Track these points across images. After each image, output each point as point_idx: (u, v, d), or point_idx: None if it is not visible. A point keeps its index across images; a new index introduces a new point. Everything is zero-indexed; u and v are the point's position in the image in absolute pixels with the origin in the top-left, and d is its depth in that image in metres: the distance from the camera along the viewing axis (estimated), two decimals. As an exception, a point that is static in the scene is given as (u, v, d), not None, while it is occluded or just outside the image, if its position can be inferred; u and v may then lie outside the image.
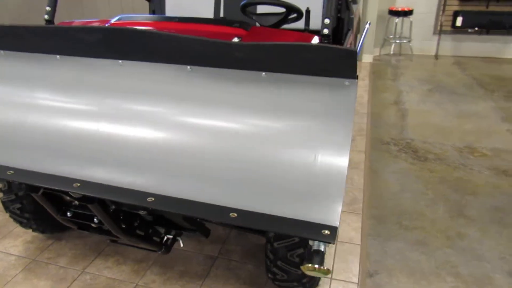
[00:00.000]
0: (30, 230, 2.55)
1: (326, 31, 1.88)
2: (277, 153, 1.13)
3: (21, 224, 2.35)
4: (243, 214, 1.06)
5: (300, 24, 2.91)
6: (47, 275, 2.21)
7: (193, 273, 2.25)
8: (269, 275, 1.93)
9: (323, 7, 1.93)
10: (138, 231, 1.77)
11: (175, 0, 3.21)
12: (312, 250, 1.10)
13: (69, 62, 1.36)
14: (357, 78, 1.18)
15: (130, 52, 1.27)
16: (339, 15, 3.00)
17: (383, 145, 3.77)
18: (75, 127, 1.31)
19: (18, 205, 2.17)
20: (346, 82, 1.15)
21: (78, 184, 1.20)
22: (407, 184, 3.13)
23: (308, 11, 2.26)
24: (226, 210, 1.07)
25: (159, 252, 1.99)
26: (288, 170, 1.12)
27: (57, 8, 3.67)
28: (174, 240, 2.06)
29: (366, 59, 6.68)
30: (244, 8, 2.41)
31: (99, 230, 1.76)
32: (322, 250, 1.10)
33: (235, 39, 1.95)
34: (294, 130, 1.16)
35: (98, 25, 2.18)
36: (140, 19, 2.18)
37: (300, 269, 1.85)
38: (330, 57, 1.07)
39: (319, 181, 1.10)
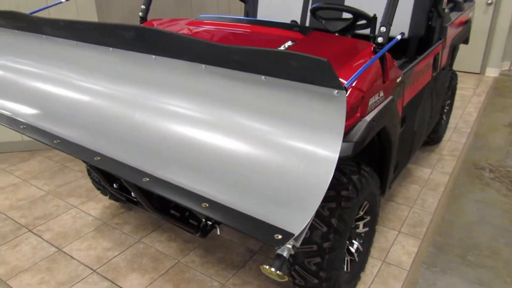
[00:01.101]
0: (107, 197, 2.95)
1: (380, 39, 1.81)
2: (262, 155, 1.16)
3: (100, 191, 2.74)
4: (215, 205, 1.12)
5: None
6: (111, 238, 2.55)
7: (230, 262, 2.36)
8: (290, 278, 1.94)
9: (384, 14, 1.85)
10: (173, 211, 1.94)
11: (267, 2, 3.33)
12: (276, 253, 1.12)
13: (116, 53, 1.58)
14: (346, 90, 1.13)
15: (159, 49, 1.43)
16: (430, 23, 2.79)
17: (476, 170, 3.37)
18: (112, 110, 1.53)
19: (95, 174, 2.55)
20: (335, 92, 1.12)
21: (99, 158, 1.40)
22: (489, 216, 2.77)
23: (375, 18, 2.17)
24: (201, 199, 1.15)
25: (196, 235, 2.14)
26: (270, 173, 1.14)
27: (167, 5, 4.10)
28: (213, 226, 2.20)
29: (490, 73, 5.96)
30: (313, 12, 2.42)
31: (141, 205, 1.98)
32: (284, 255, 1.11)
33: (289, 43, 1.99)
34: (282, 135, 1.17)
35: (180, 24, 2.42)
36: (213, 19, 2.35)
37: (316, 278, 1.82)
38: (308, 66, 1.06)
39: (295, 189, 1.10)
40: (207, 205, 1.14)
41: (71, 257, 2.39)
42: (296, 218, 1.06)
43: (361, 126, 1.73)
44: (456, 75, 3.62)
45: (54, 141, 1.53)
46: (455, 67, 5.98)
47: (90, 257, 2.39)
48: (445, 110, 3.75)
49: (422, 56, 2.42)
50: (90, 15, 3.36)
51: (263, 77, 1.24)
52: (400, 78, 2.07)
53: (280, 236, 1.02)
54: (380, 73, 1.86)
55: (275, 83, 1.22)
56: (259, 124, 1.21)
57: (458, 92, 5.23)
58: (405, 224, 2.69)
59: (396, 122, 2.11)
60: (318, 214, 1.79)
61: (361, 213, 2.09)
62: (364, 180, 1.91)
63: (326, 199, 1.81)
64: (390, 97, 1.97)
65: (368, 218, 2.16)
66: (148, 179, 1.28)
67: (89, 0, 3.30)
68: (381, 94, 1.89)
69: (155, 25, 2.50)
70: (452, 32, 3.01)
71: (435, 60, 2.71)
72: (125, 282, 2.22)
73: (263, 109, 1.23)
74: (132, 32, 1.40)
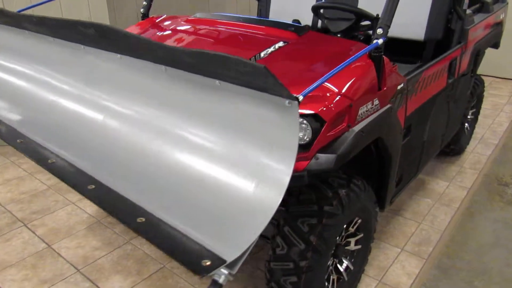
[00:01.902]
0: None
1: (380, 41, 1.65)
2: (205, 169, 1.06)
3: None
4: (150, 221, 1.03)
5: (397, 33, 2.59)
6: (101, 237, 2.52)
7: (216, 271, 2.26)
8: None
9: (383, 14, 1.69)
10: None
11: (280, 1, 3.21)
12: (212, 279, 1.01)
13: (87, 51, 1.51)
14: (298, 100, 1.00)
15: (122, 48, 1.35)
16: (449, 25, 2.57)
17: (498, 186, 3.10)
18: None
19: None
20: (286, 102, 0.99)
21: (53, 161, 1.35)
22: (506, 239, 2.52)
23: (377, 18, 2.00)
24: (137, 212, 1.05)
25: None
26: (212, 191, 1.03)
27: (183, 2, 4.04)
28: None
29: (528, 79, 5.54)
30: (315, 11, 2.27)
31: None
32: (220, 282, 1.00)
33: (280, 43, 1.87)
34: (230, 149, 1.06)
35: (176, 21, 2.34)
36: (209, 17, 2.26)
37: None
38: (251, 72, 0.94)
39: (237, 211, 0.99)
40: (143, 220, 1.04)
41: (59, 254, 2.38)
42: (232, 244, 0.95)
43: (346, 137, 1.58)
44: (482, 81, 3.34)
45: (17, 141, 1.48)
46: (488, 72, 5.60)
47: (77, 256, 2.36)
48: (469, 119, 3.48)
49: (432, 62, 2.22)
50: (102, 15, 3.35)
51: (217, 81, 1.13)
52: (401, 85, 1.90)
53: (208, 262, 0.91)
54: (374, 79, 1.70)
55: (230, 89, 1.11)
56: (208, 134, 1.10)
57: (489, 99, 4.88)
58: (409, 242, 2.50)
59: (396, 133, 1.94)
60: (296, 230, 1.66)
61: (352, 229, 1.94)
62: (353, 195, 1.75)
63: (306, 214, 1.67)
64: (388, 106, 1.81)
65: (361, 235, 2.00)
66: (94, 186, 1.20)
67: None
68: (376, 102, 1.72)
69: (155, 21, 2.44)
70: (475, 35, 2.76)
71: (452, 66, 2.49)
72: (106, 284, 2.17)
73: (215, 116, 1.12)
74: (92, 30, 1.32)
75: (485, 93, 3.72)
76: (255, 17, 2.12)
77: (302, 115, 1.53)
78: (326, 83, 1.60)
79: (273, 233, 1.74)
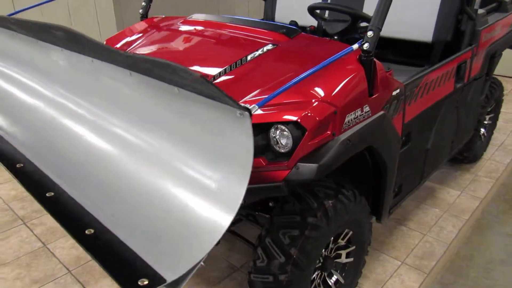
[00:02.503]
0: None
1: (366, 45, 1.56)
2: (156, 182, 1.00)
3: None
4: (99, 233, 0.98)
5: (411, 35, 2.47)
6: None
7: (207, 277, 2.22)
8: None
9: (374, 16, 1.59)
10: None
11: (285, 2, 3.12)
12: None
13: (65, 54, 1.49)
14: (249, 112, 0.92)
15: (93, 52, 1.31)
16: (459, 26, 2.43)
17: (514, 197, 2.92)
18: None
19: None
20: (238, 113, 0.92)
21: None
22: (518, 255, 2.36)
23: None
24: (90, 223, 1.01)
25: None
26: (162, 205, 0.98)
27: (192, 2, 4.01)
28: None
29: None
30: (311, 11, 2.18)
31: None
32: (163, 302, 0.94)
33: (268, 46, 1.80)
34: (183, 161, 1.00)
35: (173, 22, 2.31)
36: (205, 18, 2.21)
37: None
38: (193, 80, 0.88)
39: (183, 229, 0.93)
40: (92, 231, 1.00)
41: (53, 254, 2.39)
42: (176, 263, 0.89)
43: (330, 146, 1.50)
44: (500, 85, 3.15)
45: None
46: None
47: (70, 257, 2.37)
48: (486, 124, 3.29)
49: (435, 66, 2.09)
50: (109, 14, 3.36)
51: (176, 88, 1.08)
52: (398, 91, 1.79)
53: (146, 282, 0.86)
54: (364, 84, 1.61)
55: (188, 96, 1.05)
56: (163, 144, 1.04)
57: (514, 103, 4.63)
58: (411, 255, 2.38)
59: (391, 141, 1.83)
60: (277, 241, 1.59)
61: (342, 241, 1.85)
62: (340, 206, 1.66)
63: (288, 225, 1.60)
64: (381, 113, 1.71)
65: (353, 247, 1.91)
66: (52, 194, 1.17)
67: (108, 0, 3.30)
68: (366, 109, 1.63)
69: (153, 22, 2.41)
70: (489, 36, 2.60)
71: (461, 69, 2.35)
72: (94, 287, 2.16)
73: (173, 125, 1.07)
74: (61, 32, 1.29)
75: (507, 97, 3.52)
76: (248, 18, 2.05)
77: (283, 123, 1.46)
78: (311, 89, 1.52)
79: (256, 243, 1.68)
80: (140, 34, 2.26)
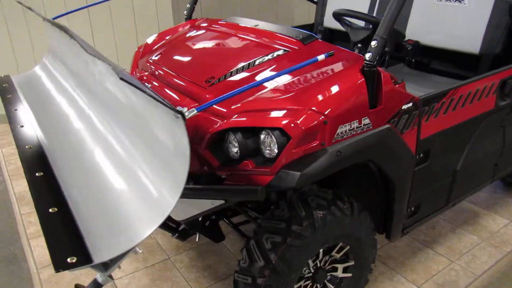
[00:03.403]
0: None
1: (368, 56, 1.52)
2: (107, 171, 1.09)
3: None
4: (61, 212, 1.08)
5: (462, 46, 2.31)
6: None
7: (215, 271, 2.29)
8: None
9: (380, 25, 1.53)
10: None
11: (336, 4, 3.08)
12: (94, 277, 1.04)
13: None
14: (183, 115, 0.95)
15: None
16: (511, 38, 2.20)
17: None
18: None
19: None
20: (173, 114, 0.96)
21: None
22: (558, 299, 2.09)
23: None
24: (56, 203, 1.12)
25: (173, 237, 2.14)
26: (107, 195, 1.06)
27: (251, 5, 4.10)
28: (192, 232, 2.17)
29: None
30: (337, 18, 2.13)
31: None
32: (99, 281, 1.03)
33: (279, 52, 1.82)
34: (132, 158, 1.07)
35: (207, 23, 2.42)
36: (235, 21, 2.28)
37: None
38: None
39: (121, 217, 1.01)
40: (56, 210, 1.11)
41: (87, 230, 2.63)
42: (107, 247, 0.97)
43: (317, 156, 1.48)
44: None
45: None
46: None
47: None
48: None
49: (466, 81, 1.93)
50: (167, 13, 3.59)
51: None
52: (409, 104, 1.69)
53: (74, 260, 0.94)
54: (364, 95, 1.55)
55: (136, 95, 1.12)
56: (122, 139, 1.13)
57: None
58: (430, 281, 2.22)
59: (400, 157, 1.74)
60: (260, 245, 1.61)
61: (336, 254, 1.80)
62: (331, 218, 1.63)
63: (273, 230, 1.61)
64: (386, 126, 1.63)
65: (352, 263, 1.85)
66: (42, 173, 1.32)
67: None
68: (365, 121, 1.57)
69: (194, 24, 2.53)
70: None
71: (506, 85, 2.13)
72: (114, 265, 2.34)
73: (132, 121, 1.14)
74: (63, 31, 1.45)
75: None
76: (273, 23, 2.07)
77: (270, 128, 1.48)
78: (305, 97, 1.52)
79: (244, 244, 1.71)
80: (179, 34, 2.39)
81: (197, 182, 1.66)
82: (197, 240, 2.39)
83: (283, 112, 1.49)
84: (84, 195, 1.11)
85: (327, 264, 1.81)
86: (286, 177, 1.46)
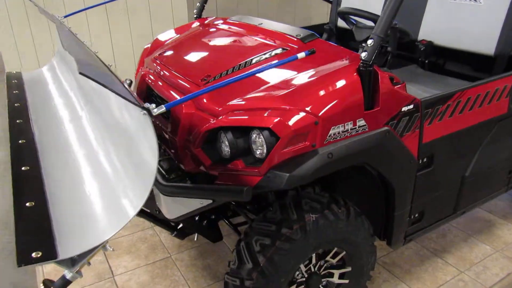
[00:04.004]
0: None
1: (364, 55, 1.47)
2: (82, 168, 1.08)
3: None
4: (38, 206, 1.09)
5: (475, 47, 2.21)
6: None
7: (214, 272, 2.27)
8: None
9: (378, 23, 1.48)
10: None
11: (350, 3, 3.01)
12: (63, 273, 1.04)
13: None
14: (150, 112, 0.93)
15: None
16: None
17: None
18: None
19: None
20: (141, 112, 0.95)
21: None
22: None
23: (393, 27, 1.72)
24: (35, 196, 1.12)
25: (172, 235, 2.13)
26: (79, 192, 1.06)
27: (270, 6, 4.06)
28: (190, 231, 2.16)
29: None
30: (341, 15, 2.07)
31: None
32: (67, 278, 1.02)
33: (278, 50, 1.79)
34: (104, 156, 1.06)
35: (213, 21, 2.41)
36: (236, 19, 2.26)
37: None
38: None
39: (89, 219, 1.00)
40: (33, 204, 1.12)
41: (93, 226, 2.67)
42: (72, 245, 0.97)
43: (307, 158, 1.44)
44: None
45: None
46: None
47: (105, 230, 2.62)
48: None
49: (475, 83, 1.83)
50: (182, 14, 3.61)
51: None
52: (410, 106, 1.62)
53: (39, 254, 0.94)
54: (359, 96, 1.50)
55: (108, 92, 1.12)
56: (100, 136, 1.12)
57: None
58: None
59: (399, 161, 1.68)
60: (249, 246, 1.58)
61: (332, 260, 1.75)
62: (324, 222, 1.58)
63: (263, 232, 1.58)
64: (384, 129, 1.57)
65: (349, 269, 1.79)
66: (28, 168, 1.34)
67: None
68: (360, 123, 1.52)
69: (203, 22, 2.53)
70: None
71: (519, 89, 2.01)
72: (115, 261, 2.37)
73: (105, 119, 1.14)
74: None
75: None
76: (276, 22, 2.04)
77: (260, 128, 1.45)
78: (297, 96, 1.48)
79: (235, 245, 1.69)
80: (186, 32, 2.39)
81: (195, 181, 1.65)
82: (195, 239, 2.38)
83: (274, 111, 1.45)
84: (62, 192, 1.12)
85: (322, 269, 1.76)
86: (274, 178, 1.43)
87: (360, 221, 1.69)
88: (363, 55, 1.48)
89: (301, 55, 1.33)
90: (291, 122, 1.41)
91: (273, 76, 1.63)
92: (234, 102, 1.56)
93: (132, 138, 1.00)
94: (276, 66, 1.38)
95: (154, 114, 0.98)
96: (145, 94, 2.08)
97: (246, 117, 1.49)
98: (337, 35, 3.08)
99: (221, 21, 2.35)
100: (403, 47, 2.67)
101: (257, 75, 1.65)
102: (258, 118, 1.46)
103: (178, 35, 2.37)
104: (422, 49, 2.41)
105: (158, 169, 2.08)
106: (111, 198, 1.00)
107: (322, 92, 1.48)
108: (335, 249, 1.71)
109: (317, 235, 1.57)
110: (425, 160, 1.81)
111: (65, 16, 2.47)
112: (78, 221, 1.02)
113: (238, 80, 1.33)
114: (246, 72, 1.34)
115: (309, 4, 4.20)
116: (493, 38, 2.15)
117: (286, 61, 1.36)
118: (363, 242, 1.74)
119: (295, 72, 1.61)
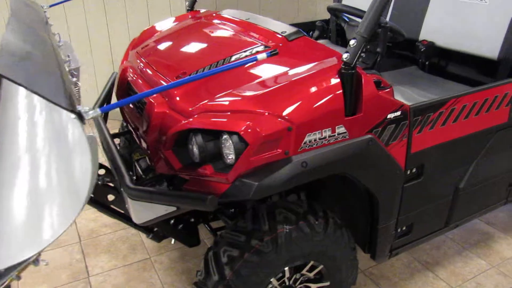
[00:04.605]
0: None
1: (346, 56, 1.35)
2: (19, 176, 0.99)
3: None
4: None
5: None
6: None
7: (193, 276, 2.19)
8: None
9: (362, 21, 1.36)
10: (114, 207, 1.87)
11: (349, 2, 2.88)
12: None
13: None
14: (81, 119, 0.82)
15: None
16: None
17: None
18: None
19: None
20: (72, 117, 0.84)
21: None
22: None
23: (384, 27, 1.59)
24: None
25: (148, 237, 2.04)
26: (13, 201, 0.97)
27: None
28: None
29: None
30: (332, 13, 1.95)
31: None
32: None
33: (259, 47, 1.68)
34: (35, 166, 0.97)
35: (200, 16, 2.30)
36: (226, 13, 2.15)
37: None
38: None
39: (16, 232, 0.92)
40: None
41: (75, 223, 2.60)
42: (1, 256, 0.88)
43: (278, 166, 1.33)
44: None
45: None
46: None
47: (87, 228, 2.55)
48: None
49: (469, 90, 1.69)
50: (180, 5, 3.51)
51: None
52: (397, 113, 1.50)
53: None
54: (339, 101, 1.38)
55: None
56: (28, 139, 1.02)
57: None
58: None
59: (385, 171, 1.56)
60: (216, 257, 1.48)
61: (309, 274, 1.64)
62: (298, 234, 1.47)
63: (232, 243, 1.47)
64: (367, 137, 1.45)
65: (327, 283, 1.68)
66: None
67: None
68: (340, 130, 1.40)
69: (193, 15, 2.42)
70: None
71: (521, 97, 1.87)
72: (93, 260, 2.29)
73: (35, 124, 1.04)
74: None
75: None
76: (264, 17, 1.92)
77: (229, 132, 1.34)
78: (271, 99, 1.37)
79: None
80: (177, 23, 2.28)
81: (173, 183, 1.56)
82: (172, 242, 2.28)
83: (245, 115, 1.35)
84: (2, 204, 1.03)
85: (297, 283, 1.66)
86: (242, 187, 1.32)
87: (339, 234, 1.58)
88: (345, 56, 1.36)
89: (262, 56, 1.21)
90: (261, 127, 1.30)
91: (251, 75, 1.52)
92: (207, 102, 1.45)
93: (67, 149, 0.89)
94: (235, 66, 1.27)
95: (87, 118, 0.88)
96: (125, 91, 1.98)
97: (217, 119, 1.39)
98: (340, 32, 2.95)
99: (210, 15, 2.24)
100: (404, 47, 2.54)
101: (236, 73, 1.54)
102: (228, 121, 1.36)
103: (166, 28, 2.26)
104: (422, 49, 2.27)
105: (135, 167, 2.03)
106: (39, 214, 0.91)
107: (298, 95, 1.36)
108: (312, 262, 1.61)
109: (290, 248, 1.47)
110: (414, 170, 1.68)
111: (51, 6, 2.38)
112: (6, 235, 0.93)
113: (202, 78, 1.22)
114: (210, 70, 1.23)
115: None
116: (498, 40, 2.01)
117: (243, 62, 1.24)
118: (342, 256, 1.63)
119: (275, 72, 1.50)
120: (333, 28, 2.62)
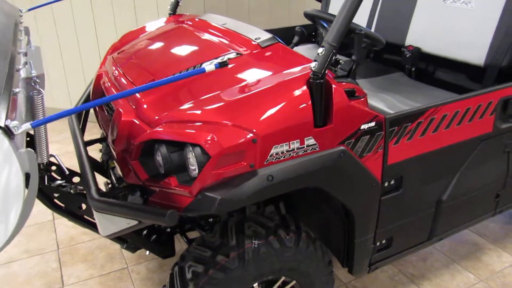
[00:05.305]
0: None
1: (314, 65, 1.29)
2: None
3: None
4: None
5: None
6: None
7: None
8: None
9: (330, 29, 1.30)
10: (86, 216, 1.82)
11: (339, 3, 2.82)
12: None
13: None
14: (7, 132, 0.76)
15: None
16: None
17: None
18: None
19: None
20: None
21: None
22: None
23: (358, 33, 1.53)
24: None
25: (123, 247, 1.99)
26: None
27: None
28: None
29: None
30: (309, 19, 1.89)
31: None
32: None
33: (232, 54, 1.61)
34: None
35: (180, 20, 2.25)
36: (204, 18, 2.09)
37: None
38: None
39: None
40: None
41: (55, 229, 2.55)
42: None
43: (242, 180, 1.27)
44: None
45: None
46: None
47: (66, 235, 2.50)
48: None
49: (450, 99, 1.63)
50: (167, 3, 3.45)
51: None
52: (371, 124, 1.43)
53: None
54: (307, 111, 1.32)
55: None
56: None
57: None
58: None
59: (359, 184, 1.49)
60: (181, 273, 1.42)
61: (281, 290, 1.58)
62: (267, 250, 1.41)
63: (197, 258, 1.42)
64: (339, 148, 1.39)
65: (300, 299, 1.62)
66: None
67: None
68: (309, 141, 1.34)
69: (176, 19, 2.37)
70: None
71: (508, 106, 1.80)
72: (69, 269, 2.24)
73: None
74: None
75: None
76: (242, 23, 1.86)
77: (192, 144, 1.28)
78: (236, 110, 1.31)
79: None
80: (156, 28, 2.23)
81: (145, 194, 1.50)
82: (147, 253, 2.23)
83: (208, 126, 1.29)
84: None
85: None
86: (204, 201, 1.27)
87: (312, 249, 1.52)
88: (313, 65, 1.30)
89: (210, 67, 1.15)
90: (223, 139, 1.24)
91: (221, 84, 1.46)
92: (173, 111, 1.40)
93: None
94: (184, 77, 1.21)
95: (16, 133, 0.82)
96: (100, 96, 1.93)
97: (181, 130, 1.33)
98: None
99: (190, 19, 2.19)
100: (390, 52, 2.47)
101: (205, 82, 1.49)
102: (191, 133, 1.30)
103: (144, 34, 2.21)
104: (408, 55, 2.21)
105: (110, 175, 1.97)
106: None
107: (264, 106, 1.30)
108: (283, 278, 1.54)
109: (259, 264, 1.41)
110: (392, 183, 1.62)
111: (29, 9, 2.33)
112: None
113: (158, 86, 1.16)
114: (166, 78, 1.17)
115: (304, 1, 3.99)
116: (484, 46, 1.94)
117: (191, 73, 1.18)
118: (316, 271, 1.56)
119: (245, 81, 1.44)
120: (320, 32, 2.56)
